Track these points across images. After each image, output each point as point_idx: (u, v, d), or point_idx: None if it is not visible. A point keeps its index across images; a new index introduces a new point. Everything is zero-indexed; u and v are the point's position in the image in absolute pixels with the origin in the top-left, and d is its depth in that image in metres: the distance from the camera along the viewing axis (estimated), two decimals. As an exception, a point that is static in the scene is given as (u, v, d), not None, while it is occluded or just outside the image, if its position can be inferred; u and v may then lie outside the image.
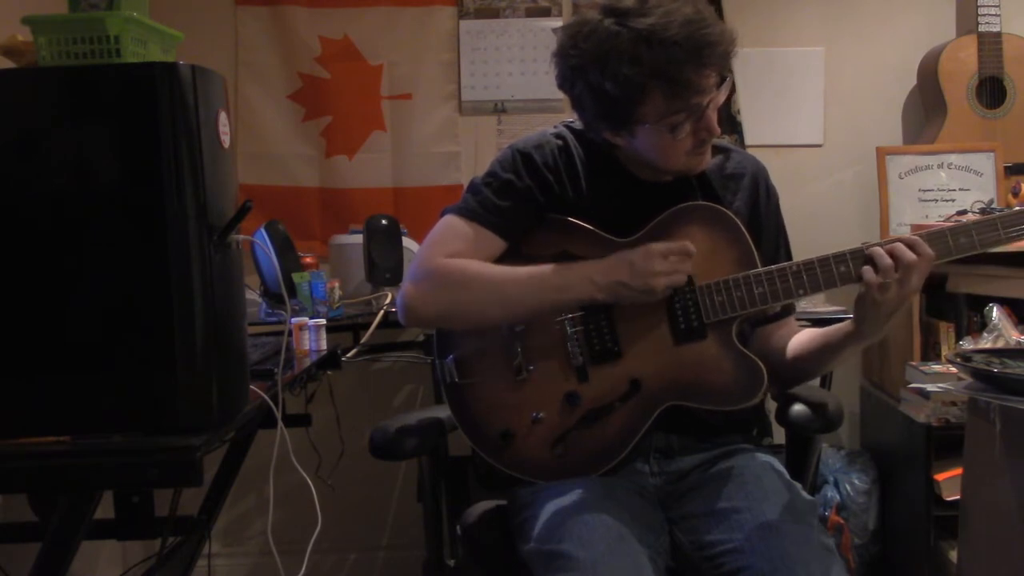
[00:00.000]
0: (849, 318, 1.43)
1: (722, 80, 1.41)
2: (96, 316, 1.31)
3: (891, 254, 1.35)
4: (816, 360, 1.52)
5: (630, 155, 1.51)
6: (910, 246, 1.35)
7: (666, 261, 1.40)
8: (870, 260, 1.36)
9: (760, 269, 1.44)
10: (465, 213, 1.50)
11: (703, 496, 1.44)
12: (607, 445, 1.48)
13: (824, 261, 1.41)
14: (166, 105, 1.28)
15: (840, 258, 1.40)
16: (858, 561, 2.47)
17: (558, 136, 1.55)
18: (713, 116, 1.42)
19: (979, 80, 2.57)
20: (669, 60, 1.33)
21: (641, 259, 1.40)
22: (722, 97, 1.42)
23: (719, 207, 1.50)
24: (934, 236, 1.38)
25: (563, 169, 1.52)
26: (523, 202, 1.50)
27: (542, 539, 1.34)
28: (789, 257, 1.60)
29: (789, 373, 1.57)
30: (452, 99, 2.84)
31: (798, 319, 1.66)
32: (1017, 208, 2.19)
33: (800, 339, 1.55)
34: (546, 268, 1.46)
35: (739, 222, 1.48)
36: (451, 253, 1.48)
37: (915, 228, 2.43)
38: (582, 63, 1.39)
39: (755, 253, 1.47)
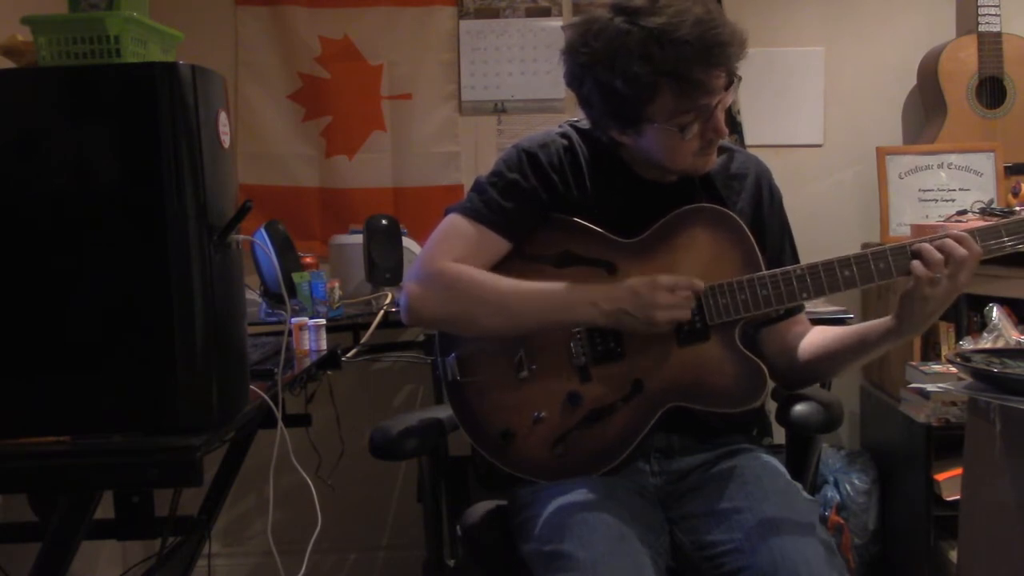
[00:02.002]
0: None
1: (730, 81, 1.41)
2: (96, 316, 1.31)
3: (941, 249, 1.35)
4: (842, 359, 1.51)
5: (636, 155, 1.50)
6: (959, 242, 1.35)
7: (671, 295, 1.39)
8: (919, 255, 1.36)
9: (764, 272, 1.44)
10: (470, 213, 1.50)
11: (704, 496, 1.44)
12: (608, 445, 1.47)
13: (828, 265, 1.41)
14: (166, 105, 1.28)
15: (846, 261, 1.40)
16: (858, 561, 2.47)
17: (563, 135, 1.55)
18: (721, 117, 1.41)
19: (979, 80, 2.57)
20: (680, 59, 1.33)
21: (647, 290, 1.39)
22: (730, 98, 1.42)
23: (723, 209, 1.49)
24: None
25: (568, 169, 1.52)
26: (528, 203, 1.50)
27: (543, 539, 1.34)
28: (796, 257, 1.60)
29: (803, 373, 1.56)
30: (452, 99, 2.84)
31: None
32: (1019, 209, 2.19)
33: (818, 338, 1.54)
34: (552, 286, 1.45)
35: (743, 224, 1.48)
36: (455, 254, 1.47)
37: (915, 228, 2.43)
38: (592, 61, 1.39)
39: (759, 255, 1.46)
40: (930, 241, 1.37)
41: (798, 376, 1.57)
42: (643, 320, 1.40)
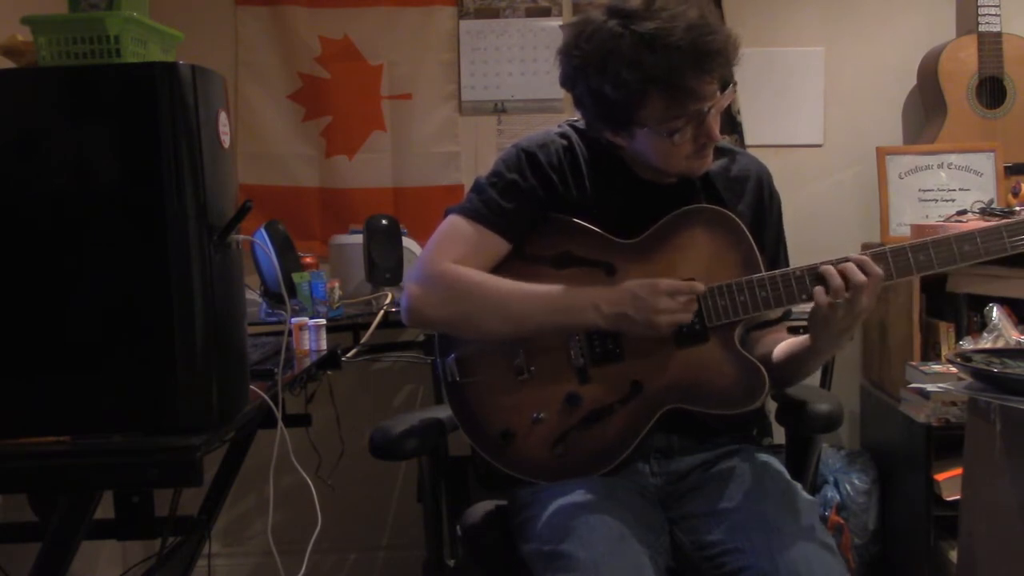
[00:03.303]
0: None
1: (725, 85, 1.40)
2: (96, 316, 1.31)
3: (841, 274, 1.34)
4: (787, 370, 1.52)
5: (633, 155, 1.50)
6: (860, 266, 1.34)
7: (672, 300, 1.39)
8: (821, 279, 1.36)
9: (764, 273, 1.43)
10: (469, 214, 1.50)
11: (704, 496, 1.44)
12: (607, 446, 1.47)
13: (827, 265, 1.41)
14: (166, 105, 1.28)
15: (844, 262, 1.39)
16: (858, 561, 2.47)
17: (563, 135, 1.55)
18: (714, 122, 1.41)
19: (979, 80, 2.57)
20: (669, 66, 1.32)
21: (647, 294, 1.39)
22: (725, 103, 1.41)
23: (723, 210, 1.49)
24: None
25: (567, 169, 1.52)
26: (527, 203, 1.50)
27: (543, 539, 1.34)
28: (787, 263, 1.60)
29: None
30: (452, 99, 2.84)
31: (796, 319, 1.66)
32: (1019, 209, 2.19)
33: (779, 347, 1.54)
34: (553, 288, 1.45)
35: (743, 225, 1.48)
36: (455, 255, 1.47)
37: (915, 228, 2.43)
38: (583, 64, 1.39)
39: (759, 257, 1.46)
40: (834, 264, 1.36)
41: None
42: (644, 324, 1.40)
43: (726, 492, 1.42)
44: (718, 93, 1.39)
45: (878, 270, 1.35)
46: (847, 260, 1.36)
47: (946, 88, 2.58)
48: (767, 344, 1.57)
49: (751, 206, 1.57)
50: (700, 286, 1.41)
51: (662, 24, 1.33)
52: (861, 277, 1.34)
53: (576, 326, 1.46)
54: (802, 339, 1.47)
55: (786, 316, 1.63)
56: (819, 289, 1.36)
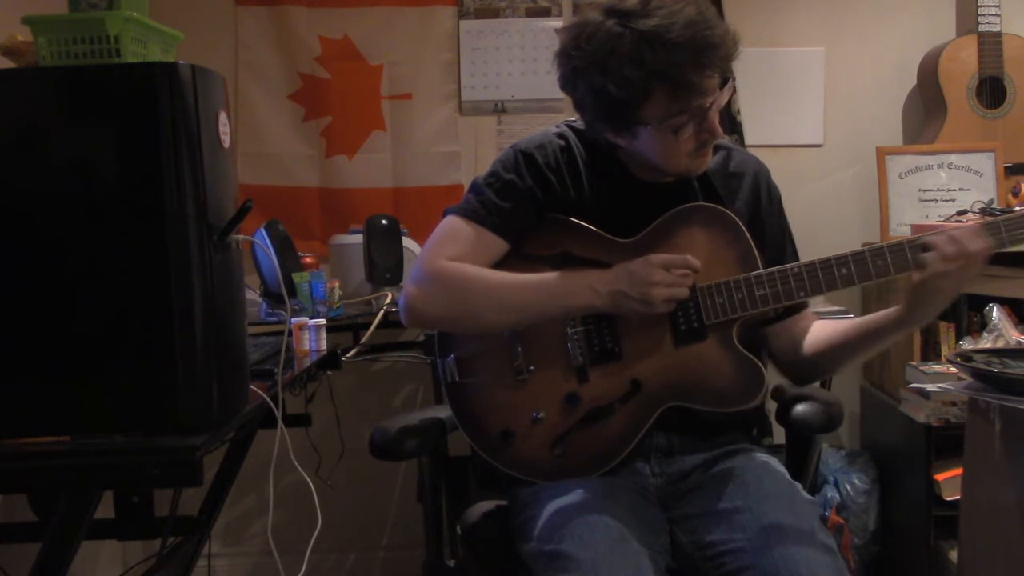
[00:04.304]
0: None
1: (724, 82, 1.41)
2: (96, 316, 1.31)
3: (955, 242, 1.34)
4: (848, 352, 1.50)
5: (632, 155, 1.50)
6: (975, 235, 1.34)
7: (667, 273, 1.40)
8: (927, 248, 1.35)
9: (761, 271, 1.44)
10: (467, 214, 1.50)
11: (704, 496, 1.44)
12: (607, 446, 1.47)
13: (825, 263, 1.41)
14: (166, 105, 1.28)
15: (843, 259, 1.40)
16: (858, 561, 2.47)
17: (560, 136, 1.55)
18: (715, 118, 1.41)
19: (979, 80, 2.57)
20: (671, 62, 1.33)
21: (641, 269, 1.40)
22: (725, 99, 1.42)
23: (720, 208, 1.49)
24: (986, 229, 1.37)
25: (565, 169, 1.52)
26: (525, 203, 1.50)
27: (543, 539, 1.34)
28: (796, 257, 1.59)
29: (810, 368, 1.55)
30: (452, 99, 2.84)
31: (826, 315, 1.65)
32: (1018, 209, 2.19)
33: (823, 332, 1.53)
34: (548, 275, 1.45)
35: (740, 223, 1.48)
36: (453, 255, 1.48)
37: (915, 228, 2.43)
38: (584, 65, 1.39)
39: (757, 254, 1.46)
40: (940, 235, 1.35)
41: (806, 371, 1.57)
42: (640, 299, 1.39)
43: (726, 492, 1.42)
44: (719, 88, 1.39)
45: (991, 240, 1.35)
46: (956, 231, 1.35)
47: (946, 88, 2.58)
48: (801, 331, 1.55)
49: (748, 202, 1.57)
50: (694, 259, 1.41)
51: (661, 21, 1.33)
52: (979, 245, 1.33)
53: (573, 309, 1.45)
54: (884, 314, 1.45)
55: (802, 305, 1.61)
56: (932, 255, 1.34)
